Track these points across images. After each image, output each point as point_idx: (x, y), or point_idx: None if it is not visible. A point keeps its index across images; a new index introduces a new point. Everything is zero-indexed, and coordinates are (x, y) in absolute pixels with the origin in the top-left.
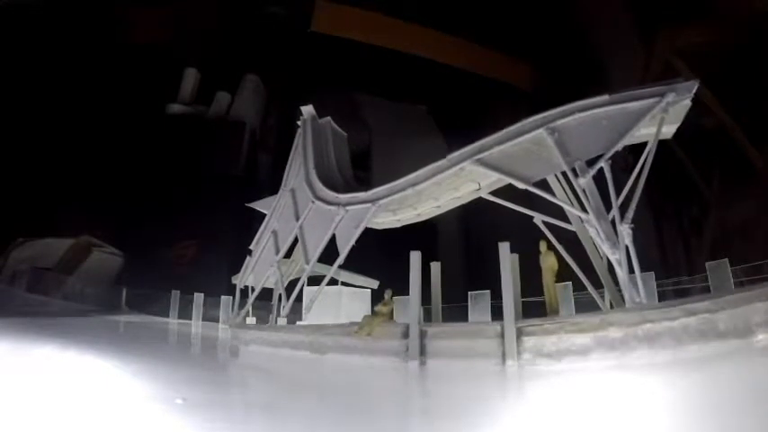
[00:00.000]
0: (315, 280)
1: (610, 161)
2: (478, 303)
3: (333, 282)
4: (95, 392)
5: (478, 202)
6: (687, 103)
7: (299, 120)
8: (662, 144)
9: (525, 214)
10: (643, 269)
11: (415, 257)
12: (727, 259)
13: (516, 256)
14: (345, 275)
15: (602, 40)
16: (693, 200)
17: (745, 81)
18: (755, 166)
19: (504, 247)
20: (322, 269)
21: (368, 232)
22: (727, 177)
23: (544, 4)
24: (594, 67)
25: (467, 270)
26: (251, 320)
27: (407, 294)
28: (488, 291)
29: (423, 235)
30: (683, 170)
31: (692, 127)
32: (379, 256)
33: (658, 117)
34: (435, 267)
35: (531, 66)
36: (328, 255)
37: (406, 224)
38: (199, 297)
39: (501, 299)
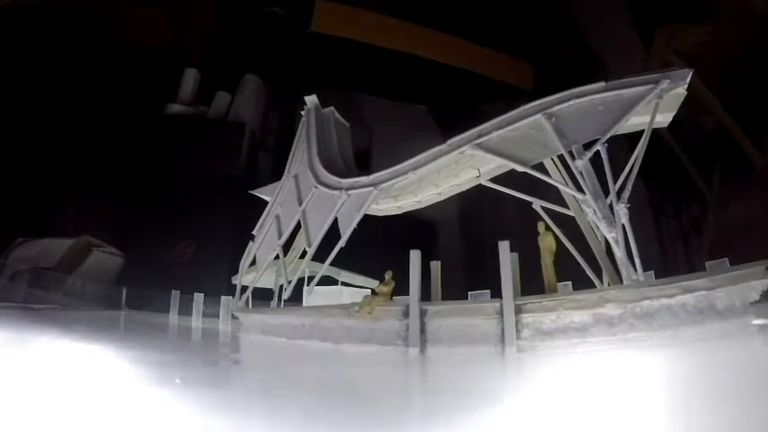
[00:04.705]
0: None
1: (606, 144)
2: None
3: (333, 282)
4: (95, 375)
5: (479, 202)
6: (682, 91)
7: (302, 110)
8: (662, 144)
9: (525, 214)
10: (643, 269)
11: (415, 256)
12: (726, 259)
13: (516, 255)
14: (346, 275)
15: (603, 41)
16: (693, 200)
17: (746, 81)
18: (755, 166)
19: (503, 246)
20: (319, 268)
21: (368, 233)
22: (727, 177)
23: (544, 4)
24: (595, 67)
25: (467, 270)
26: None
27: (407, 294)
28: (488, 291)
29: (423, 234)
30: (683, 170)
31: (693, 127)
32: (379, 257)
33: (653, 103)
34: (435, 266)
35: (532, 66)
36: (328, 252)
37: (407, 211)
38: (199, 297)
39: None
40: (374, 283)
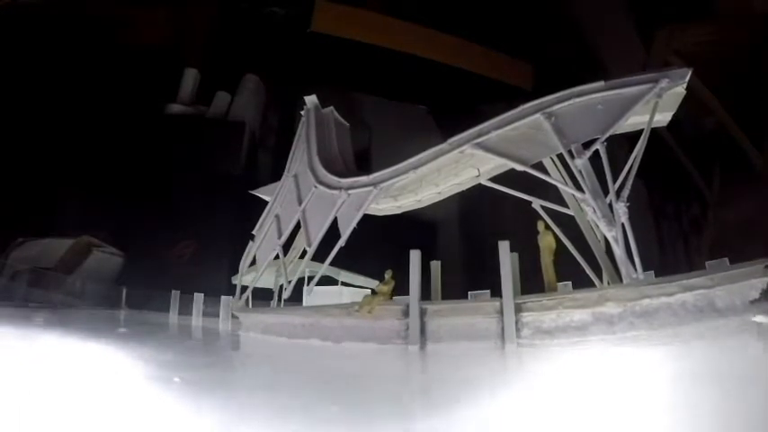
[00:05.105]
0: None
1: (605, 143)
2: None
3: (333, 282)
4: (95, 374)
5: (479, 202)
6: (681, 90)
7: (302, 110)
8: (662, 144)
9: (525, 214)
10: (643, 269)
11: (415, 256)
12: (726, 258)
13: (516, 254)
14: (346, 275)
15: (603, 41)
16: (693, 200)
17: (745, 81)
18: (755, 166)
19: (503, 246)
20: (319, 268)
21: (368, 233)
22: (727, 177)
23: (544, 4)
24: (595, 67)
25: (467, 270)
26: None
27: (407, 294)
28: (488, 291)
29: (423, 234)
30: (684, 171)
31: (692, 127)
32: (379, 257)
33: (652, 102)
34: (435, 266)
35: (532, 66)
36: (327, 252)
37: (407, 211)
38: (198, 297)
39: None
40: (374, 283)
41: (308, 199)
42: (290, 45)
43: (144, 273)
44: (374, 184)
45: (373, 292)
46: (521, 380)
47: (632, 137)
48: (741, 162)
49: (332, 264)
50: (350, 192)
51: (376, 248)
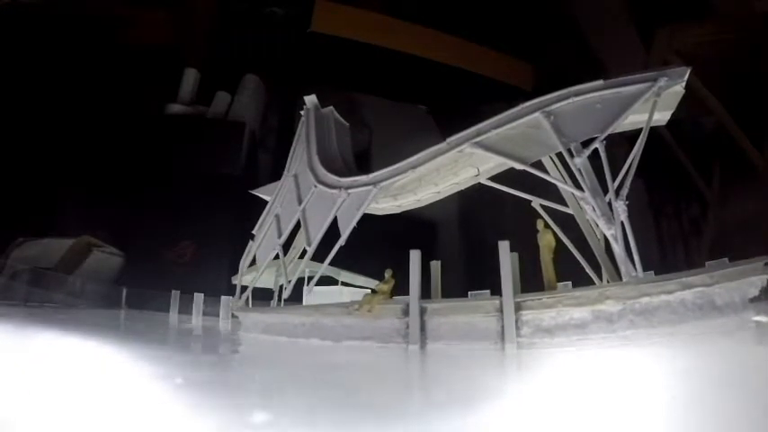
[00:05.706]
0: (317, 282)
1: (605, 142)
2: None
3: (333, 282)
4: (97, 373)
5: (479, 202)
6: (680, 89)
7: (302, 110)
8: (662, 144)
9: (525, 214)
10: (643, 269)
11: (415, 256)
12: (726, 258)
13: (516, 254)
14: (346, 275)
15: (603, 41)
16: (693, 200)
17: (745, 81)
18: (756, 166)
19: (503, 246)
20: (319, 268)
21: (368, 233)
22: (727, 177)
23: (544, 4)
24: (595, 67)
25: (467, 270)
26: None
27: (407, 294)
28: (488, 291)
29: (423, 234)
30: (683, 170)
31: (692, 126)
32: (379, 257)
33: (651, 101)
34: (435, 266)
35: (532, 66)
36: (327, 252)
37: (407, 211)
38: (198, 297)
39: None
40: (374, 283)
41: (307, 198)
42: (290, 45)
43: (144, 273)
44: (374, 183)
45: (373, 291)
46: (521, 379)
47: (631, 136)
48: (741, 162)
49: (332, 264)
50: (350, 191)
51: (376, 248)
